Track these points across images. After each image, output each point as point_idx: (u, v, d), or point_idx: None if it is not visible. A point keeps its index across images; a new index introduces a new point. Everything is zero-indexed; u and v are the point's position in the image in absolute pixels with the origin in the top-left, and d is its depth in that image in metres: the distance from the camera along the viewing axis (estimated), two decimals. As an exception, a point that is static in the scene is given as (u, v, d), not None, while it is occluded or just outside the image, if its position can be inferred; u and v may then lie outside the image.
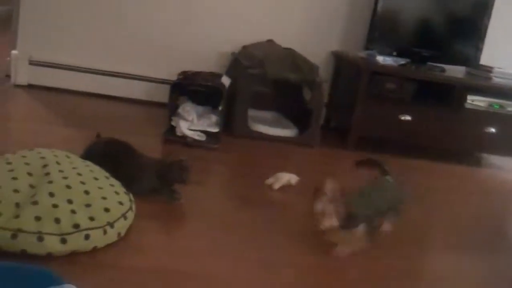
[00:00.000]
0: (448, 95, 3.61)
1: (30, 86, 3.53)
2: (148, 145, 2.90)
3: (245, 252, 1.99)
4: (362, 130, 3.49)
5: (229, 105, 3.32)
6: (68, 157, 2.09)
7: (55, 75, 3.56)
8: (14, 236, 1.66)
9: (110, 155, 2.30)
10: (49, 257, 1.70)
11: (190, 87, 3.38)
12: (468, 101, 3.57)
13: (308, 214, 2.03)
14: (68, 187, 1.88)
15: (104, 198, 1.91)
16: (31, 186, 1.84)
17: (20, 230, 1.67)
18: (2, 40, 4.04)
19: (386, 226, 2.22)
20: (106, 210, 1.86)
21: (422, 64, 3.69)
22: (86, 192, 1.89)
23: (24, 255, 1.67)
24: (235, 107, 3.34)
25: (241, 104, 3.35)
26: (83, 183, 1.93)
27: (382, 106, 3.49)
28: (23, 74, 3.52)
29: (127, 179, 2.20)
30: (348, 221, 1.95)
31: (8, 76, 3.56)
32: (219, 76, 3.42)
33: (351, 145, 3.47)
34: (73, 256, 1.75)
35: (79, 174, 1.98)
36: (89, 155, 2.31)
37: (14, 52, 3.52)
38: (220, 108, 3.25)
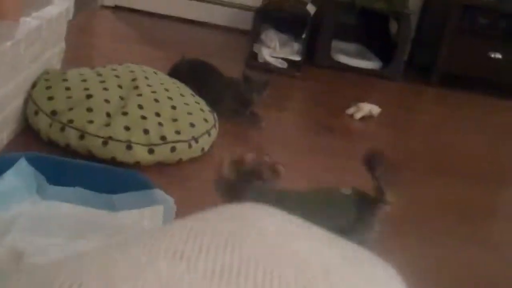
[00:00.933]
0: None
1: (116, 8, 3.58)
2: (230, 70, 2.90)
3: (320, 177, 1.99)
4: (447, 65, 3.36)
5: (312, 34, 3.26)
6: (155, 73, 2.13)
7: (141, -3, 3.60)
8: (105, 143, 1.73)
9: (195, 75, 2.33)
10: (137, 166, 1.76)
11: (274, 14, 3.33)
12: None
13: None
14: (156, 100, 1.92)
15: (190, 113, 1.94)
16: (121, 98, 1.90)
17: (110, 138, 1.74)
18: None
19: None
20: (192, 125, 1.90)
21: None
22: (173, 107, 1.93)
23: (113, 162, 1.74)
24: (318, 36, 3.28)
25: (325, 33, 3.28)
26: (170, 98, 1.97)
27: (472, 42, 3.34)
28: (110, -5, 3.58)
29: (211, 98, 2.23)
30: None
31: (96, -4, 3.63)
32: (304, 3, 3.35)
33: (435, 80, 3.35)
34: (159, 166, 1.81)
35: (166, 90, 2.02)
36: (175, 73, 2.35)
37: (102, -28, 3.57)
38: (303, 36, 3.20)
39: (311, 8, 3.28)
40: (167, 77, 2.17)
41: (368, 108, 2.63)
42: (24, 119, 1.84)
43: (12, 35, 1.62)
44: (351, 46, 3.68)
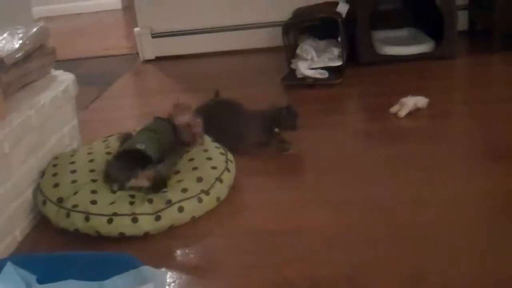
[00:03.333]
0: None
1: (158, 59, 3.60)
2: (268, 95, 2.79)
3: (359, 200, 1.80)
4: (508, 26, 3.01)
5: (352, 32, 3.07)
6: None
7: (177, 43, 3.57)
8: (110, 221, 1.68)
9: (216, 117, 2.24)
10: (147, 236, 1.69)
11: (302, 24, 3.17)
12: None
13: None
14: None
15: (195, 168, 1.86)
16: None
17: (115, 214, 1.69)
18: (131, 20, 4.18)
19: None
20: (199, 179, 1.80)
21: None
22: (177, 172, 1.87)
23: (123, 238, 1.68)
24: (356, 33, 3.07)
25: (361, 28, 3.06)
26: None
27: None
28: (148, 49, 3.59)
29: (233, 139, 2.14)
30: None
31: (137, 53, 3.66)
32: (335, 4, 3.16)
33: (496, 45, 3.01)
34: (172, 230, 1.73)
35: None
36: None
37: (136, 29, 3.60)
38: (339, 39, 3.01)
39: (342, 8, 3.09)
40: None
41: (412, 102, 2.39)
42: (39, 210, 1.84)
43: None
44: (403, 32, 3.43)
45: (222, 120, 2.22)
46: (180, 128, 1.92)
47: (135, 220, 1.67)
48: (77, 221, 1.70)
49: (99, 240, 1.69)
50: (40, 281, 1.41)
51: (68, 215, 1.72)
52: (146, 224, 1.68)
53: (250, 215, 1.79)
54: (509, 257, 1.45)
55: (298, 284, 1.44)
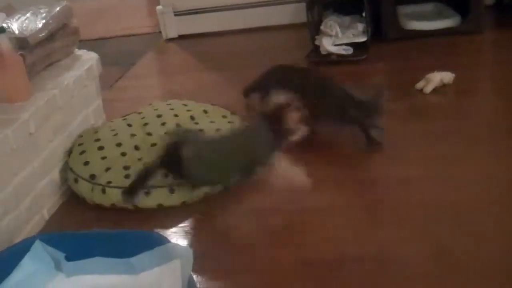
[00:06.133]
0: None
1: (181, 37, 3.58)
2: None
3: (385, 177, 1.79)
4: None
5: (377, 7, 3.02)
6: (185, 105, 2.10)
7: (200, 21, 3.56)
8: (147, 193, 1.72)
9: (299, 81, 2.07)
10: (175, 214, 1.71)
11: (327, 0, 3.13)
12: None
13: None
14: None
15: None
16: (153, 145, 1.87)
17: (152, 186, 1.71)
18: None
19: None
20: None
21: None
22: None
23: (160, 209, 1.72)
24: (381, 8, 3.02)
25: (386, 3, 3.01)
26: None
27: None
28: (171, 27, 3.58)
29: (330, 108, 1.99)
30: None
31: (160, 32, 3.65)
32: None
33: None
34: (201, 207, 1.74)
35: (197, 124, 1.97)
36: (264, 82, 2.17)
37: (158, 7, 3.59)
38: (363, 14, 2.97)
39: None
40: (197, 106, 2.13)
41: (438, 78, 2.35)
42: (66, 189, 1.87)
43: (18, 117, 1.63)
44: (427, 7, 3.36)
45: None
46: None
47: (172, 191, 1.71)
48: (113, 196, 1.73)
49: (126, 217, 1.72)
50: (68, 259, 1.44)
51: (103, 191, 1.74)
52: (183, 194, 1.71)
53: (277, 194, 1.79)
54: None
55: (325, 262, 1.44)
